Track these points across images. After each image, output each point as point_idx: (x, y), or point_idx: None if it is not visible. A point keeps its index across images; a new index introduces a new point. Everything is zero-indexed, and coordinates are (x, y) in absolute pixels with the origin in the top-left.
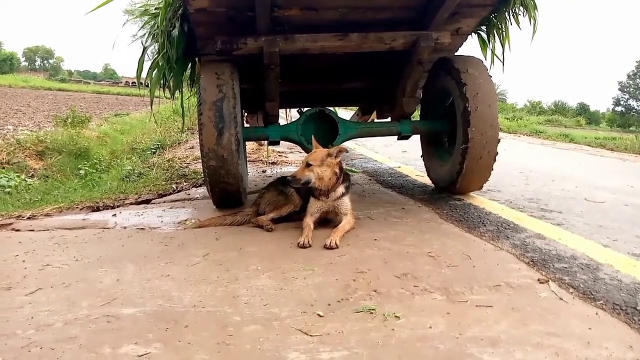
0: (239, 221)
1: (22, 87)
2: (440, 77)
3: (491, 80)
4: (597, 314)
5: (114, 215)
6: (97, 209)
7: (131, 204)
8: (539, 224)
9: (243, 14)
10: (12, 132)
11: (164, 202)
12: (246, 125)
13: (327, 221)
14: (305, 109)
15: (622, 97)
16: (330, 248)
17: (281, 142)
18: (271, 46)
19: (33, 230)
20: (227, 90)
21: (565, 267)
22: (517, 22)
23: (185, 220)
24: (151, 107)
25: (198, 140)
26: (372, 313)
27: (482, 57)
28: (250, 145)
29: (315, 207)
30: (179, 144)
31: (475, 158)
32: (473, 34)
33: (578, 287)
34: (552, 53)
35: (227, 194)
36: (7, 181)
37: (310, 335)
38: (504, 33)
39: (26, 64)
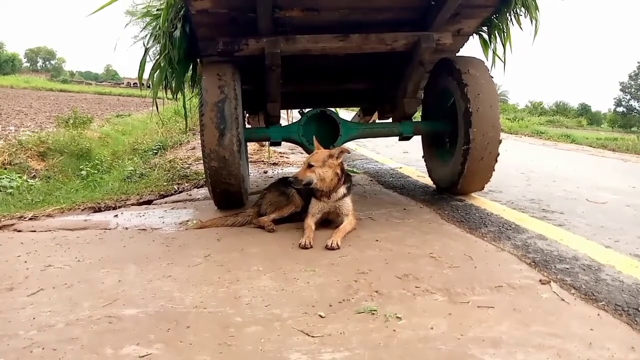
0: (241, 222)
1: (23, 88)
2: (442, 78)
3: (492, 81)
4: (599, 315)
5: (116, 216)
6: (99, 210)
7: (133, 204)
8: (540, 225)
9: (244, 15)
10: (14, 133)
11: (166, 203)
12: (247, 126)
13: (329, 222)
14: (307, 109)
15: (623, 98)
16: (332, 249)
17: (282, 143)
18: (273, 47)
19: (35, 231)
20: (229, 91)
21: (567, 268)
22: (519, 23)
23: (187, 221)
24: (153, 108)
25: (199, 141)
26: (373, 314)
27: (483, 58)
28: (251, 146)
29: (316, 208)
30: (180, 144)
31: (477, 159)
32: (474, 34)
33: (580, 288)
34: (554, 54)
35: (229, 195)
36: (9, 182)
37: (312, 336)
38: (505, 34)
39: (28, 65)
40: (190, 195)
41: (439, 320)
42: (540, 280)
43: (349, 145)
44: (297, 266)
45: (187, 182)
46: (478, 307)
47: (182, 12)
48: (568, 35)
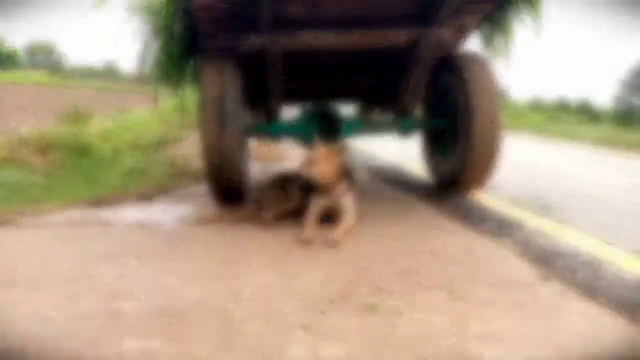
0: (241, 218)
1: (24, 84)
2: (443, 74)
3: (494, 76)
4: (599, 311)
5: (117, 211)
6: (100, 205)
7: (133, 200)
8: (541, 221)
9: (246, 11)
10: (15, 129)
11: (166, 198)
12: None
13: (329, 218)
14: (308, 105)
15: (624, 95)
16: (333, 244)
17: (283, 138)
18: (273, 43)
19: (36, 226)
20: (230, 86)
21: (568, 264)
22: (521, 19)
23: (188, 216)
24: (155, 104)
25: (200, 137)
26: (374, 309)
27: (485, 54)
28: (252, 142)
29: (317, 204)
30: (181, 140)
31: (478, 155)
32: (476, 30)
33: (580, 284)
34: (555, 50)
35: (229, 191)
36: (10, 177)
37: (313, 331)
38: (507, 29)
39: (28, 60)
40: (191, 191)
41: (439, 316)
42: (541, 277)
43: (349, 141)
44: (297, 261)
45: (187, 178)
46: (479, 303)
47: (183, 7)
48: (570, 31)
